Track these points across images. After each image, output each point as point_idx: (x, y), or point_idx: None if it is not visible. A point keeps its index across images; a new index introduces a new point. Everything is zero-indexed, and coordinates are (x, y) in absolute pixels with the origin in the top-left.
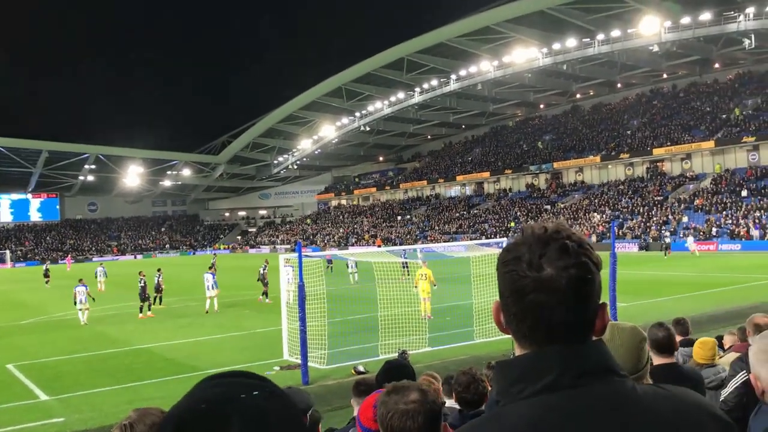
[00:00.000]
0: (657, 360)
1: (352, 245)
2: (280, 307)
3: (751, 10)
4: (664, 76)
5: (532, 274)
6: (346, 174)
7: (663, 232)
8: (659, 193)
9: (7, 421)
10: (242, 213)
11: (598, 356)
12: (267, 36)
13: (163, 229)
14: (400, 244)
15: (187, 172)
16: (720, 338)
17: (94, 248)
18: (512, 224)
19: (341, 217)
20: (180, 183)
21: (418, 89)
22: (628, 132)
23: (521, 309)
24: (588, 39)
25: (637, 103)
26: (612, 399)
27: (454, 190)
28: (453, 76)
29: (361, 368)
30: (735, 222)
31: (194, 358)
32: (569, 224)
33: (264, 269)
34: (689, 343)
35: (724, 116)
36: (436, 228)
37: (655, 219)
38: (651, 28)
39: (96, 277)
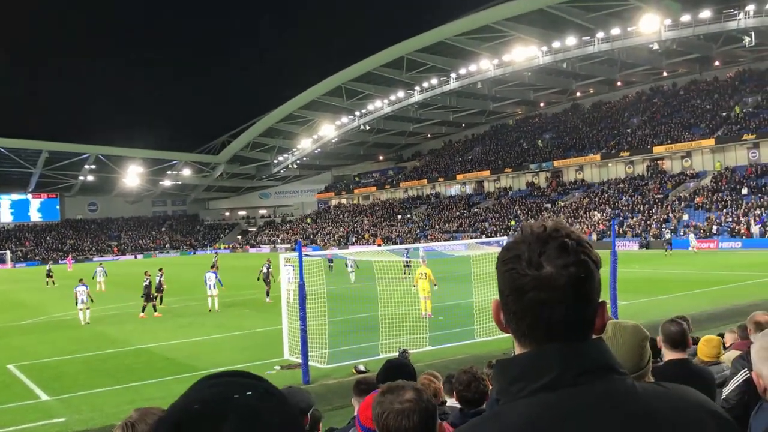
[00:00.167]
0: (669, 355)
1: (353, 244)
2: (281, 306)
3: (751, 8)
4: (664, 74)
5: (532, 273)
6: (346, 173)
7: (663, 229)
8: (659, 191)
9: (8, 422)
10: (242, 212)
11: (598, 354)
12: (267, 36)
13: (163, 229)
14: (401, 243)
15: (187, 172)
16: (720, 336)
17: (94, 248)
18: (512, 223)
19: (341, 216)
20: (180, 183)
21: (417, 88)
22: (629, 130)
23: (521, 307)
24: (588, 37)
25: (638, 101)
26: (612, 397)
27: (454, 189)
28: (453, 75)
29: (361, 367)
30: (735, 220)
31: (194, 357)
32: (569, 223)
33: (268, 268)
34: (692, 342)
35: (724, 114)
36: (437, 227)
37: (655, 217)
38: (651, 26)
39: (95, 277)
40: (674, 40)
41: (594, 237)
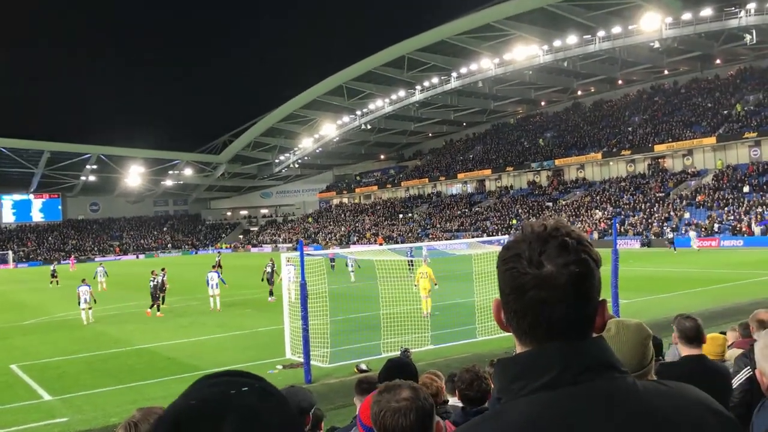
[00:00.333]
0: (685, 351)
1: (354, 243)
2: (282, 305)
3: (752, 6)
4: (665, 72)
5: (533, 271)
6: (347, 172)
7: (665, 228)
8: (661, 190)
9: (11, 421)
10: (244, 212)
11: (599, 352)
12: (268, 35)
13: (165, 229)
14: (402, 243)
15: (188, 172)
16: (722, 334)
17: (96, 248)
18: (514, 222)
19: (343, 215)
20: (182, 182)
21: (419, 87)
22: (630, 129)
23: (521, 306)
24: (589, 36)
25: (638, 100)
26: (613, 395)
27: (455, 188)
28: (454, 74)
29: (363, 366)
30: (737, 218)
31: (196, 357)
32: (571, 221)
33: (272, 268)
34: None
35: (725, 112)
36: (438, 226)
37: (656, 215)
38: (652, 25)
39: (96, 277)
40: (675, 39)
41: (595, 235)
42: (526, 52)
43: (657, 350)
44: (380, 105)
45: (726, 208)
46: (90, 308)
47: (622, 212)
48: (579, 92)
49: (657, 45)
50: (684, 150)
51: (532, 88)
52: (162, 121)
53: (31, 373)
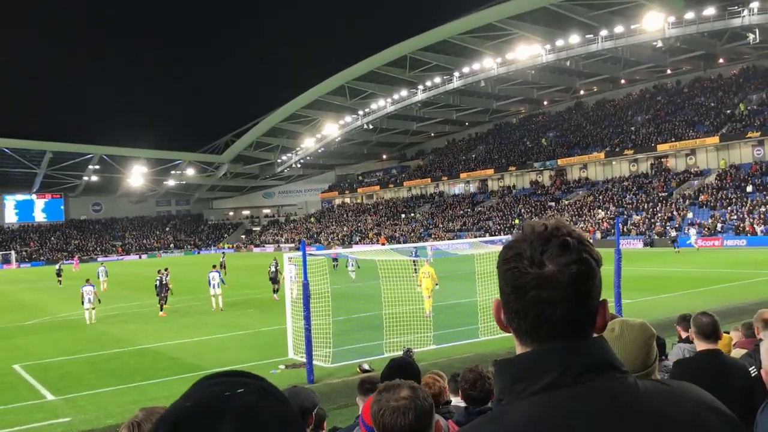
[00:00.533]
0: (701, 346)
1: (356, 243)
2: (285, 305)
3: (755, 5)
4: (668, 71)
5: (534, 271)
6: (349, 172)
7: (668, 228)
8: (664, 189)
9: (14, 421)
10: (246, 212)
11: (600, 352)
12: (269, 35)
13: (167, 229)
14: (404, 242)
15: (190, 172)
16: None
17: (98, 248)
18: (516, 221)
19: (345, 215)
20: (184, 182)
21: (421, 87)
22: (632, 128)
23: (523, 306)
24: (591, 35)
25: (641, 99)
26: (614, 396)
27: (458, 188)
28: (456, 74)
29: (366, 366)
30: (740, 218)
31: (199, 357)
32: (573, 221)
33: (276, 267)
34: None
35: (728, 111)
36: (440, 226)
37: (659, 215)
38: (654, 24)
39: (97, 277)
40: (678, 38)
41: (598, 235)
42: (528, 52)
43: (660, 350)
44: (382, 105)
45: (729, 208)
46: (93, 308)
47: (625, 212)
48: (582, 92)
49: (660, 44)
50: (687, 149)
51: (535, 88)
52: (162, 121)
53: (34, 373)
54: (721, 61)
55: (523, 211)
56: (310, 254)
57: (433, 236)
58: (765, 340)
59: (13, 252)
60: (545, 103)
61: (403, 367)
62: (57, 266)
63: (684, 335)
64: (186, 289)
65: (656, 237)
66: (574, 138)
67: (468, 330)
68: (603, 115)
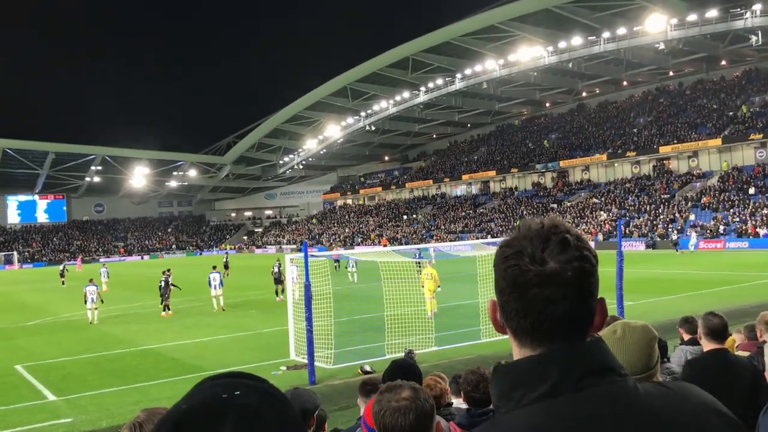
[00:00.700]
0: (709, 346)
1: (358, 245)
2: (287, 306)
3: (758, 7)
4: (671, 73)
5: (536, 268)
6: (351, 174)
7: (670, 230)
8: (666, 191)
9: (16, 422)
10: (248, 213)
11: (599, 355)
12: (270, 35)
13: (169, 230)
14: (406, 244)
15: (193, 173)
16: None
17: (101, 249)
18: (518, 223)
19: (347, 216)
20: (186, 184)
21: (423, 88)
22: (635, 130)
23: (523, 305)
24: (594, 37)
25: (644, 101)
26: (614, 400)
27: (459, 189)
28: (458, 75)
29: (367, 368)
30: (742, 220)
31: (200, 358)
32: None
33: (279, 268)
34: (698, 342)
35: (731, 113)
36: (442, 227)
37: (662, 217)
38: (657, 26)
39: (100, 277)
40: (680, 40)
41: (600, 237)
42: (530, 54)
43: (662, 352)
44: (384, 106)
45: (731, 210)
46: (96, 308)
47: (627, 214)
48: (584, 93)
49: (662, 46)
50: (689, 151)
51: (537, 90)
52: (163, 122)
53: (36, 374)
54: (723, 63)
55: (525, 212)
56: (312, 255)
57: (434, 238)
58: None
59: (15, 253)
60: (547, 104)
61: (405, 369)
62: (61, 267)
63: (686, 337)
64: (188, 291)
65: (658, 239)
66: (576, 140)
67: (470, 332)
68: (605, 116)
